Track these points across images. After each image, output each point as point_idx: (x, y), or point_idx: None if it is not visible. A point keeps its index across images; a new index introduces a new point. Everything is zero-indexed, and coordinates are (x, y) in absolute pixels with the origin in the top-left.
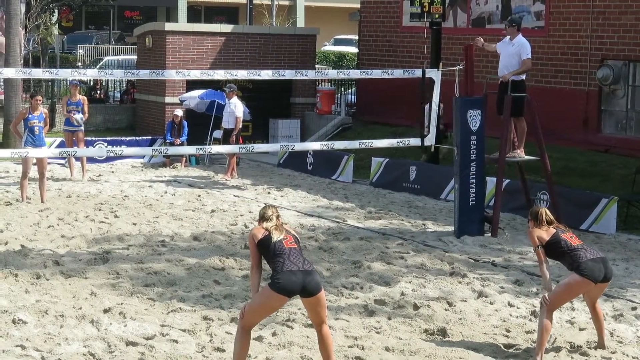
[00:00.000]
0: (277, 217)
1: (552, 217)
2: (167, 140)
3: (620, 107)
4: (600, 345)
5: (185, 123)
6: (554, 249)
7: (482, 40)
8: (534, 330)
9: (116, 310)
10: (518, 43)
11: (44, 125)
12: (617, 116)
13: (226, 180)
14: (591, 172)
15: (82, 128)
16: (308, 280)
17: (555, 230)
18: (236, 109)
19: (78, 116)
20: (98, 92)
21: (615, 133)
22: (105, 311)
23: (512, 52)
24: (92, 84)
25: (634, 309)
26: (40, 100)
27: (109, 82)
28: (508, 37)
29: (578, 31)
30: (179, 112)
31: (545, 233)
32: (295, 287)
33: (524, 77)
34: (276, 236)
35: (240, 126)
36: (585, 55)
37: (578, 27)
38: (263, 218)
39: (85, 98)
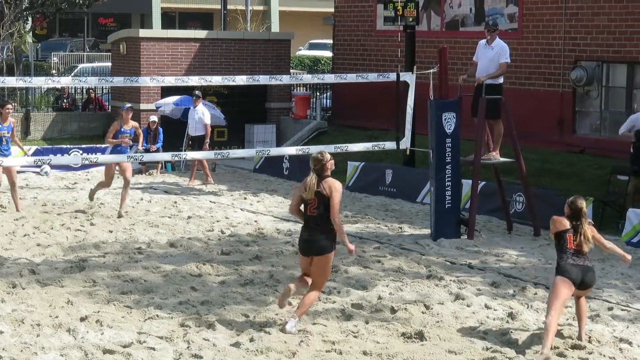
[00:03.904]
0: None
1: (582, 212)
2: (143, 147)
3: (595, 108)
4: (579, 337)
5: (160, 129)
6: (556, 241)
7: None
8: (511, 331)
9: (93, 318)
10: (497, 46)
11: (12, 136)
12: (592, 117)
13: (206, 185)
14: (566, 173)
15: None
16: (312, 243)
17: (567, 228)
18: (204, 116)
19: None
20: (65, 100)
21: (589, 134)
22: (82, 319)
23: (492, 56)
24: (58, 92)
25: (610, 309)
26: (10, 110)
27: (75, 91)
28: (485, 40)
29: (551, 33)
30: (155, 119)
31: (560, 225)
32: (303, 250)
33: (501, 80)
34: (305, 195)
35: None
36: (558, 56)
37: (551, 29)
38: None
39: (137, 124)
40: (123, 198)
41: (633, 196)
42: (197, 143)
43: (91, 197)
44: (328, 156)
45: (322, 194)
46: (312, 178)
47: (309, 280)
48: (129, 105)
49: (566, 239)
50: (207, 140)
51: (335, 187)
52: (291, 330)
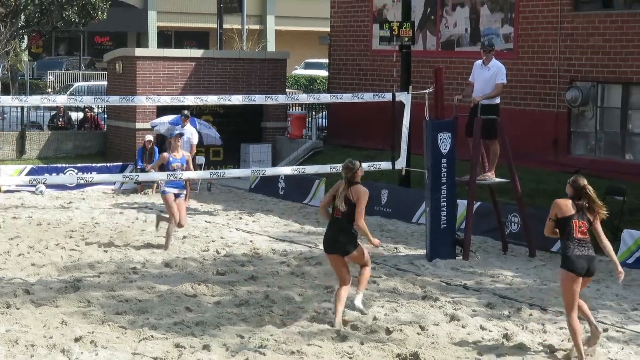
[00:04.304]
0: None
1: (590, 195)
2: (138, 167)
3: (590, 129)
4: (594, 336)
5: (156, 149)
6: (561, 227)
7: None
8: (506, 353)
9: (87, 338)
10: (494, 67)
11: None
12: (587, 137)
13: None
14: (561, 193)
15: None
16: (334, 243)
17: (573, 212)
18: (192, 136)
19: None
20: (61, 119)
21: (584, 154)
22: (76, 340)
23: (488, 77)
24: (54, 111)
25: (605, 330)
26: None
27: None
28: (481, 60)
29: (546, 53)
30: (150, 138)
31: (565, 208)
32: (327, 248)
33: (498, 100)
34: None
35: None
36: (554, 77)
37: (546, 50)
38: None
39: (189, 154)
40: (168, 236)
41: None
42: None
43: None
44: (358, 164)
45: (350, 199)
46: (343, 184)
47: (344, 288)
48: (177, 132)
49: (572, 225)
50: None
51: (362, 194)
52: (359, 306)
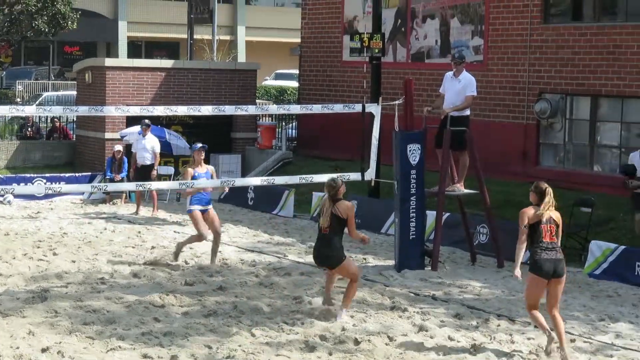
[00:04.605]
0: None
1: (546, 192)
2: (107, 177)
3: (558, 140)
4: (562, 349)
5: (125, 159)
6: (530, 233)
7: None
8: None
9: (54, 349)
10: (464, 79)
11: None
12: (555, 149)
13: (155, 215)
14: (530, 204)
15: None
16: (321, 256)
17: (540, 219)
18: (155, 146)
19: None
20: (30, 129)
21: (553, 166)
22: (44, 350)
23: (459, 89)
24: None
25: (572, 341)
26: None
27: (40, 119)
28: (452, 72)
29: (516, 65)
30: (119, 148)
31: (533, 216)
32: (317, 261)
33: (468, 112)
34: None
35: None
36: (523, 89)
37: (516, 61)
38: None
39: (213, 168)
40: (214, 252)
41: None
42: (145, 173)
43: (176, 255)
44: (340, 182)
45: (337, 216)
46: (327, 202)
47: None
48: (200, 145)
49: (541, 230)
50: (156, 169)
51: (349, 209)
52: (343, 319)
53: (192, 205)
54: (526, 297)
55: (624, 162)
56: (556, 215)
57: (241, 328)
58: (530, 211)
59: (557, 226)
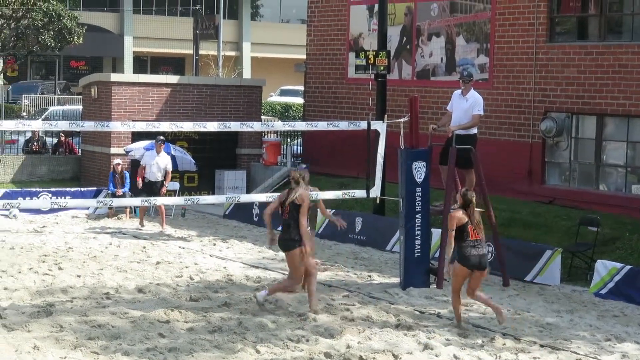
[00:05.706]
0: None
1: (472, 203)
2: (109, 191)
3: (564, 159)
4: (498, 314)
5: (126, 173)
6: (459, 233)
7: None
8: None
9: None
10: (472, 98)
11: None
12: (561, 168)
13: (164, 231)
14: (535, 223)
15: None
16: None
17: (467, 220)
18: (168, 163)
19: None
20: (35, 143)
21: (559, 184)
22: None
23: (467, 108)
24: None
25: None
26: None
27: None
28: (460, 91)
29: (522, 84)
30: (119, 161)
31: (460, 219)
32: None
33: (475, 131)
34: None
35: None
36: (528, 107)
37: (521, 80)
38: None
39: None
40: (311, 293)
41: None
42: (154, 188)
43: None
44: (302, 172)
45: (295, 202)
46: (289, 190)
47: (309, 280)
48: (304, 166)
49: (468, 231)
50: (166, 186)
51: (305, 196)
52: (259, 298)
53: None
54: (454, 284)
55: (630, 181)
56: (478, 215)
57: (246, 344)
58: (458, 214)
59: (480, 225)
